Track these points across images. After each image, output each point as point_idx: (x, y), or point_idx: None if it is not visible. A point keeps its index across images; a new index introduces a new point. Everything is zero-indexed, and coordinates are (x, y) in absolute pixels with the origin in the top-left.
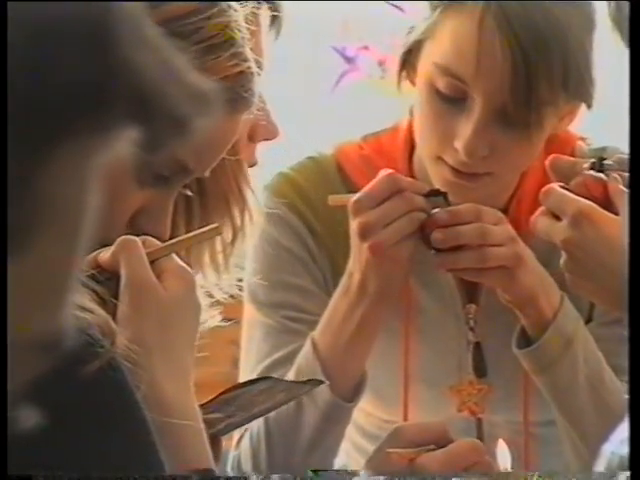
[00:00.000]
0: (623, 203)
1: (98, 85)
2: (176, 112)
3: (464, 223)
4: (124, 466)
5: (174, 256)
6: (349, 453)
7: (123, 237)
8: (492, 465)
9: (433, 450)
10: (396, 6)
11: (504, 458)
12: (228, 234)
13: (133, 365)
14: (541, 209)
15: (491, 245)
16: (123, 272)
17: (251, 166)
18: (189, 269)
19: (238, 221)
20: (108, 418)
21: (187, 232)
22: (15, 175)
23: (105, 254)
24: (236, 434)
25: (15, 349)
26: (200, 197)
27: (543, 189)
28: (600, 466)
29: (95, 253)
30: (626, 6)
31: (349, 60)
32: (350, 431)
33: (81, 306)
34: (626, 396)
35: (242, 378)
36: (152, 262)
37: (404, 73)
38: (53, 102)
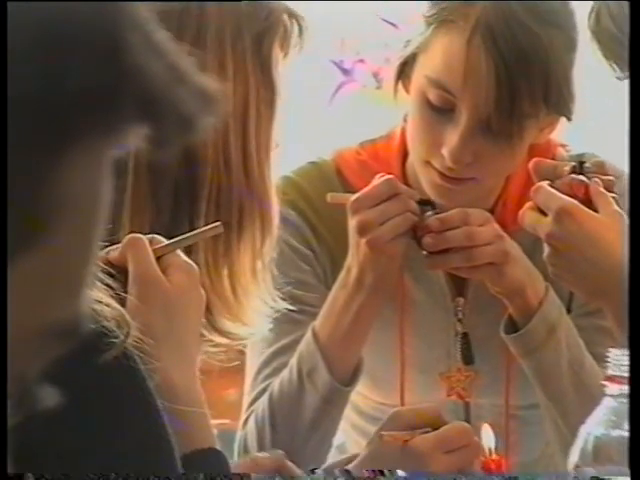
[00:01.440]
0: (602, 202)
1: (110, 87)
2: (183, 111)
3: (452, 228)
4: (136, 453)
5: (179, 252)
6: (347, 432)
7: (130, 235)
8: (480, 447)
9: (426, 433)
10: (389, 22)
11: (488, 439)
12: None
13: (144, 354)
14: (529, 204)
15: (478, 245)
16: (130, 268)
17: None
18: (193, 264)
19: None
20: (122, 406)
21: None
22: (33, 171)
23: (114, 252)
24: (242, 415)
25: (34, 334)
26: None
27: (534, 187)
28: (577, 445)
29: (105, 251)
30: (605, 17)
31: (346, 72)
32: (349, 413)
33: (97, 300)
34: (603, 381)
35: (248, 365)
36: (159, 258)
37: (400, 82)
38: (68, 103)
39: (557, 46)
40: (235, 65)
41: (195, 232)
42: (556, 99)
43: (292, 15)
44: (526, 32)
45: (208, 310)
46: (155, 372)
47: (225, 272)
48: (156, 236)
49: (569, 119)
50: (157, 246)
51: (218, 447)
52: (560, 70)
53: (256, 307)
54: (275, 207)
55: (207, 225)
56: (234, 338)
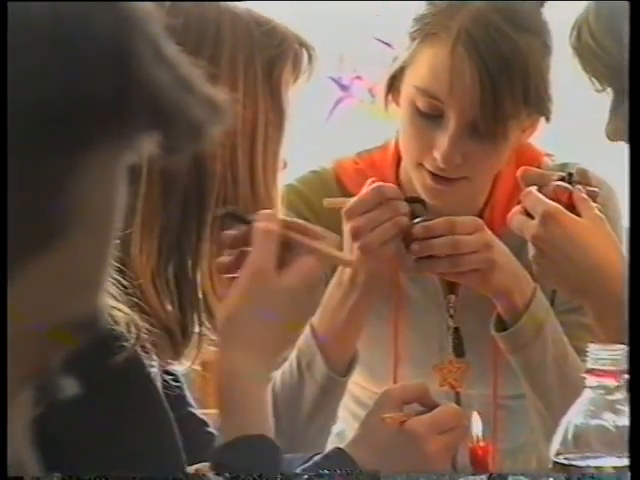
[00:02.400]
0: (584, 208)
1: (122, 96)
2: (193, 119)
3: (437, 236)
4: (142, 450)
5: (309, 255)
6: (347, 420)
7: (265, 212)
8: (468, 429)
9: (421, 413)
10: (384, 42)
11: (477, 427)
12: None
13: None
14: (517, 207)
15: (464, 253)
16: (252, 254)
17: None
18: (317, 267)
19: None
20: (131, 406)
21: None
22: (50, 176)
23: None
24: None
25: (55, 328)
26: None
27: (524, 191)
28: (559, 433)
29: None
30: (586, 34)
31: (344, 88)
32: (348, 402)
33: (111, 305)
34: (583, 375)
35: None
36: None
37: (390, 96)
38: (83, 111)
39: (534, 51)
40: (246, 87)
41: (333, 253)
42: (535, 100)
43: (303, 44)
44: (505, 39)
45: (211, 315)
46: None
47: (230, 282)
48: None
49: (548, 119)
50: (293, 235)
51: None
52: (538, 73)
53: None
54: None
55: (212, 233)
56: None
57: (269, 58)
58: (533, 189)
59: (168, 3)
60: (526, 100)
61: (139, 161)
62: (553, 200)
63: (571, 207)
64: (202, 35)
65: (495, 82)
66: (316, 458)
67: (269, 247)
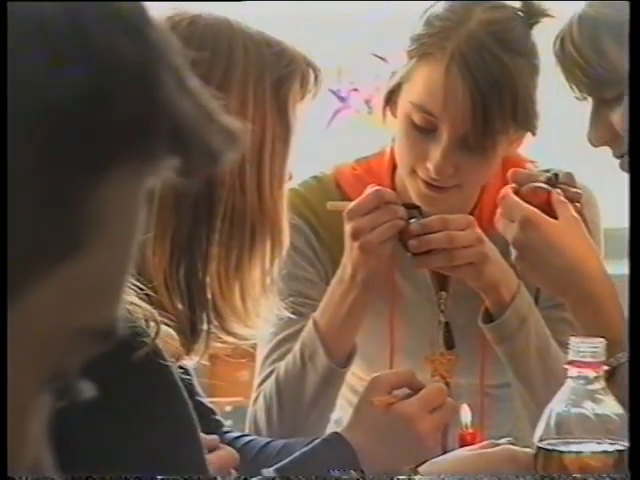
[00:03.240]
0: (561, 209)
1: (146, 122)
2: (210, 146)
3: (433, 232)
4: (163, 443)
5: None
6: (344, 409)
7: None
8: (453, 406)
9: (409, 397)
10: (379, 57)
11: (465, 416)
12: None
13: None
14: (499, 211)
15: (458, 247)
16: None
17: None
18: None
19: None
20: (153, 398)
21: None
22: (74, 189)
23: None
24: (253, 394)
25: (74, 334)
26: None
27: (500, 194)
28: (542, 420)
29: None
30: (568, 44)
31: (342, 99)
32: (345, 392)
33: (131, 301)
34: (565, 366)
35: (258, 351)
36: None
37: (388, 108)
38: (109, 133)
39: (523, 72)
40: (255, 104)
41: None
42: (523, 117)
43: (310, 65)
44: (496, 61)
45: (219, 314)
46: None
47: (237, 285)
48: None
49: (534, 134)
50: None
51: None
52: (526, 93)
53: (261, 314)
54: (286, 232)
55: (220, 238)
56: (240, 338)
57: (278, 77)
58: (510, 192)
59: (185, 23)
60: (514, 117)
61: (159, 183)
62: (532, 199)
63: (548, 207)
64: (215, 54)
65: (485, 100)
66: (315, 442)
67: None
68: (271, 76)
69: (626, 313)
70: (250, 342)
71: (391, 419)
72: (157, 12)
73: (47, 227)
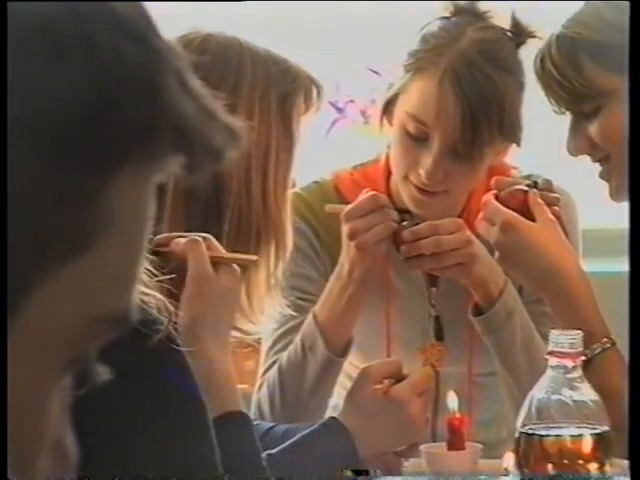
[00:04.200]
0: (538, 211)
1: (152, 123)
2: (213, 144)
3: (423, 238)
4: (175, 420)
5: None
6: (341, 395)
7: (191, 237)
8: (435, 390)
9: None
10: (374, 71)
11: (453, 402)
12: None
13: (191, 334)
14: (481, 215)
15: (447, 250)
16: (190, 266)
17: None
18: (237, 270)
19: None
20: (166, 381)
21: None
22: (86, 188)
23: (176, 245)
24: (257, 382)
25: (92, 322)
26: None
27: (482, 199)
28: (525, 406)
29: (165, 235)
30: (548, 62)
31: (340, 110)
32: (343, 380)
33: (144, 291)
34: (546, 356)
35: (263, 342)
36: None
37: (385, 117)
38: (115, 136)
39: (510, 88)
40: (261, 117)
41: (238, 256)
42: (509, 130)
43: (313, 81)
44: (485, 77)
45: None
46: (198, 349)
47: (243, 285)
48: (208, 236)
49: (519, 145)
50: (211, 253)
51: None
52: (512, 107)
53: (265, 312)
54: (289, 236)
55: (228, 239)
56: (244, 333)
57: (283, 92)
58: (491, 198)
59: (197, 41)
60: (501, 130)
61: (166, 178)
62: (510, 202)
63: (526, 209)
64: (225, 70)
65: (474, 113)
66: (314, 426)
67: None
68: (276, 91)
69: (626, 313)
70: (254, 337)
71: (384, 403)
72: (171, 31)
73: (62, 223)
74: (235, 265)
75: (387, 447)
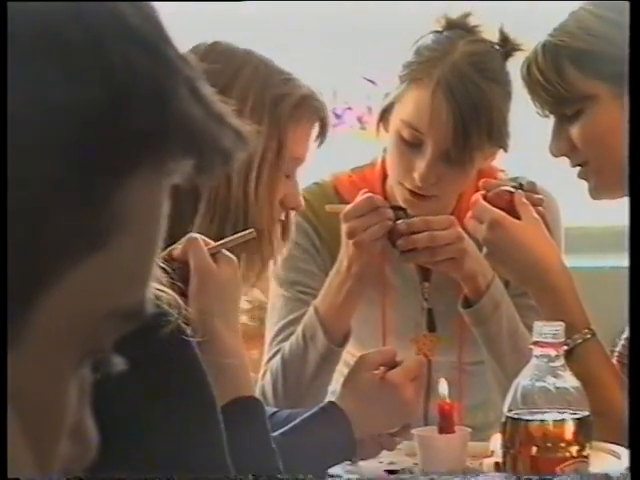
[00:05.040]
0: (524, 210)
1: (162, 130)
2: (221, 147)
3: (418, 232)
4: (183, 405)
5: (223, 250)
6: (339, 381)
7: (189, 235)
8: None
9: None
10: (370, 80)
11: (444, 389)
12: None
13: (204, 325)
14: (469, 213)
15: (440, 245)
16: (191, 261)
17: None
18: (234, 258)
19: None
20: (176, 369)
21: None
22: (102, 190)
23: (177, 250)
24: (262, 369)
25: (108, 315)
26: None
27: (472, 199)
28: (510, 393)
29: (169, 249)
30: (534, 69)
31: (338, 117)
32: (342, 368)
33: (157, 288)
34: (530, 346)
35: (267, 333)
36: (211, 255)
37: (381, 124)
38: (129, 142)
39: (498, 97)
40: (251, 114)
41: (234, 237)
42: (497, 136)
43: (313, 95)
44: (475, 88)
45: None
46: (211, 337)
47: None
48: (204, 237)
49: (506, 150)
50: (209, 246)
51: (256, 395)
52: (500, 115)
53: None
54: (272, 243)
55: (210, 225)
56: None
57: (276, 96)
58: (480, 197)
59: (207, 44)
60: (489, 136)
61: (180, 180)
62: (497, 201)
63: (512, 209)
64: (227, 65)
65: (465, 121)
66: (314, 410)
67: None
68: (271, 94)
69: (626, 311)
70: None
71: (379, 387)
72: (170, 30)
73: (80, 222)
74: (232, 255)
75: (382, 428)
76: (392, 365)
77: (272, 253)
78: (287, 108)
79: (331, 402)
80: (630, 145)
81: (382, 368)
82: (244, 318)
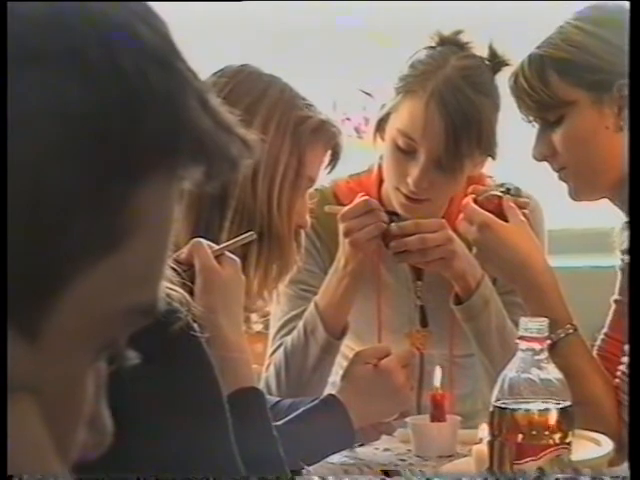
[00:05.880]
0: (511, 214)
1: (173, 140)
2: (228, 155)
3: (409, 234)
4: (192, 396)
5: (226, 252)
6: (338, 373)
7: (195, 240)
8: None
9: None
10: (367, 93)
11: (437, 379)
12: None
13: (208, 321)
14: (461, 216)
15: (431, 247)
16: (196, 263)
17: None
18: (237, 259)
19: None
20: (186, 362)
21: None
22: (118, 195)
23: (183, 254)
24: (266, 362)
25: (123, 311)
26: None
27: (463, 203)
28: (498, 384)
29: (176, 254)
30: (520, 78)
31: None
32: (340, 360)
33: (168, 287)
34: (517, 340)
35: (271, 327)
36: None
37: (378, 133)
38: (142, 151)
39: (487, 109)
40: (275, 131)
41: (235, 240)
42: (486, 145)
43: (328, 123)
44: (466, 100)
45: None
46: (215, 333)
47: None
48: (209, 242)
49: (494, 158)
50: (213, 249)
51: (258, 386)
52: (489, 125)
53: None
54: (291, 251)
55: (232, 225)
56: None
57: (300, 117)
58: (470, 201)
59: (234, 67)
60: (479, 145)
61: (191, 186)
62: (487, 205)
63: (501, 212)
64: (254, 86)
65: (457, 131)
66: (315, 402)
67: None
68: (295, 115)
69: (587, 304)
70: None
71: (374, 376)
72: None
73: (97, 226)
74: (234, 256)
75: (379, 417)
76: (380, 354)
77: (291, 261)
78: (308, 130)
79: (331, 395)
80: (630, 145)
81: (376, 361)
82: (260, 327)
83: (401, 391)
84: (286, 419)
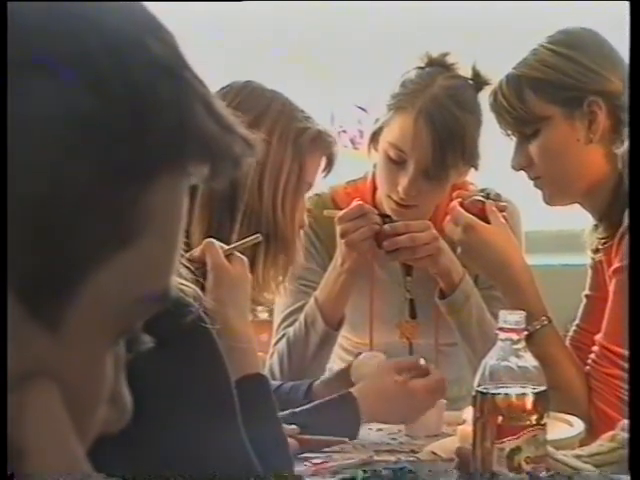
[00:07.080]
0: (493, 217)
1: (180, 143)
2: (232, 154)
3: (400, 234)
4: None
5: (235, 251)
6: (335, 361)
7: (207, 240)
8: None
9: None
10: (361, 108)
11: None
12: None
13: (218, 313)
14: (447, 218)
15: (420, 245)
16: (208, 261)
17: None
18: (244, 258)
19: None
20: (198, 352)
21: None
22: (130, 194)
23: (196, 252)
24: (270, 350)
25: (138, 299)
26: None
27: (449, 206)
28: (479, 371)
29: (189, 253)
30: (499, 96)
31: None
32: (337, 349)
33: (182, 283)
34: (496, 331)
35: (275, 319)
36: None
37: (372, 145)
38: (152, 153)
39: (471, 125)
40: (279, 137)
41: (244, 241)
42: (469, 157)
43: (325, 132)
44: (451, 116)
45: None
46: (224, 324)
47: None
48: (220, 243)
49: (477, 169)
50: (224, 248)
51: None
52: (472, 140)
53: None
54: (298, 252)
55: (242, 227)
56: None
57: (300, 129)
58: (457, 204)
59: (240, 83)
60: (463, 157)
61: (197, 182)
62: (471, 209)
63: (483, 215)
64: (259, 99)
65: (443, 144)
66: (333, 395)
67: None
68: (296, 126)
69: (560, 298)
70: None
71: (400, 391)
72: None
73: (111, 222)
74: (243, 255)
75: (389, 422)
76: (414, 371)
77: (295, 257)
78: (307, 139)
79: (349, 392)
80: (630, 146)
81: (405, 374)
82: (265, 315)
83: (419, 414)
84: (304, 407)
